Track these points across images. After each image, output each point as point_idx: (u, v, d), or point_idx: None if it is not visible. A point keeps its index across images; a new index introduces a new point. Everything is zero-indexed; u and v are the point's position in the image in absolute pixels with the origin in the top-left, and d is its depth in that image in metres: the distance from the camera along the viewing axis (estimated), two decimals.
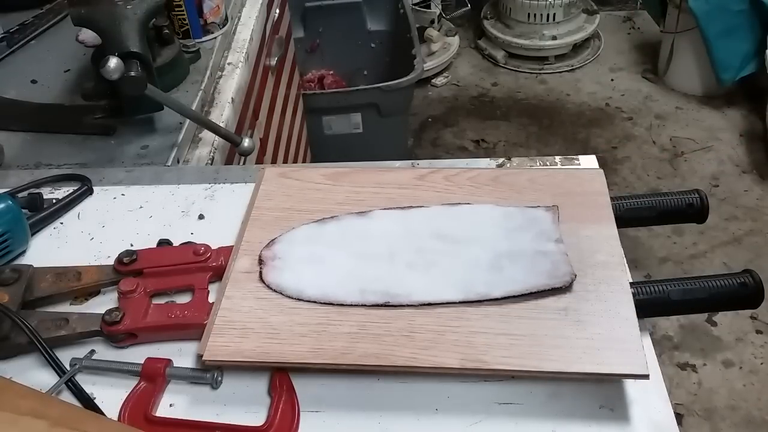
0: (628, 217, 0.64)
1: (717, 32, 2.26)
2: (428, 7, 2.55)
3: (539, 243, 0.59)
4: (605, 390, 0.52)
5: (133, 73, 0.79)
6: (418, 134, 2.41)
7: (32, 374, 0.57)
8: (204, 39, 1.09)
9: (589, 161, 0.73)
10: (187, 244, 0.65)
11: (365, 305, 0.56)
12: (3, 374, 0.55)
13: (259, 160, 1.21)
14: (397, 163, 0.74)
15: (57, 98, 0.98)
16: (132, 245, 0.66)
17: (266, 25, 1.32)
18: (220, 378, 0.55)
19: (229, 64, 1.09)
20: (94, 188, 0.75)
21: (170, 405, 0.54)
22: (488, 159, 0.74)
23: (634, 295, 0.56)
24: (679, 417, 1.61)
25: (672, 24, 2.42)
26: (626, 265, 0.59)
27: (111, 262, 0.63)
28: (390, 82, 1.88)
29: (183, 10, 1.05)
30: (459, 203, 0.64)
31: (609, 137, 2.37)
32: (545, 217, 0.62)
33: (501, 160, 0.73)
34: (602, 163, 0.72)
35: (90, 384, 0.55)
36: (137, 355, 0.57)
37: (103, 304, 0.61)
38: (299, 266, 0.60)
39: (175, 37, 1.01)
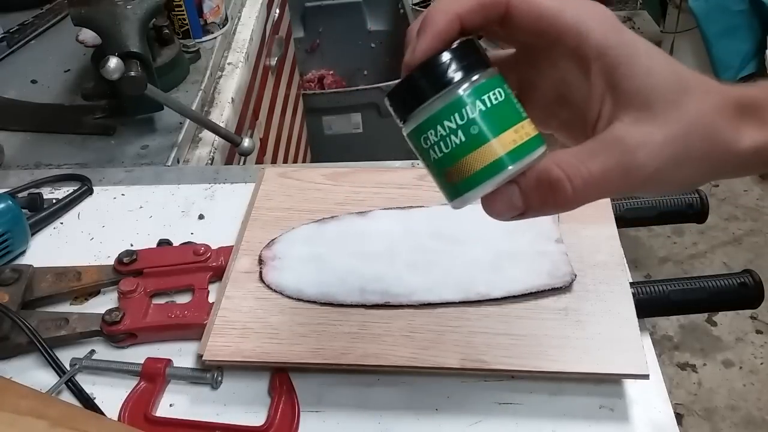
0: (628, 217, 0.64)
1: (717, 32, 2.26)
2: (428, 7, 2.55)
3: (539, 243, 0.59)
4: (605, 390, 0.52)
5: (133, 73, 0.78)
6: None
7: (32, 374, 0.57)
8: (204, 39, 1.09)
9: None
10: (187, 244, 0.65)
11: (365, 305, 0.56)
12: (3, 374, 0.55)
13: (259, 160, 1.21)
14: (397, 163, 0.74)
15: (57, 98, 0.98)
16: (132, 245, 0.66)
17: (266, 25, 1.32)
18: (220, 378, 0.55)
19: (229, 64, 1.09)
20: (94, 188, 0.75)
21: (170, 405, 0.54)
22: None
23: (634, 295, 0.56)
24: (679, 417, 1.62)
25: (672, 24, 2.42)
26: (626, 265, 0.59)
27: (111, 262, 0.63)
28: (390, 82, 1.88)
29: (183, 10, 1.05)
30: None
31: None
32: (545, 217, 0.62)
33: None
34: None
35: (90, 384, 0.55)
36: (137, 355, 0.57)
37: (103, 304, 0.61)
38: (299, 266, 0.60)
39: (175, 37, 1.01)
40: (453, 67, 0.34)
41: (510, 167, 0.34)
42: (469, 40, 0.35)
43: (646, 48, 0.34)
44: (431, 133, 0.35)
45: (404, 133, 0.37)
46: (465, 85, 0.34)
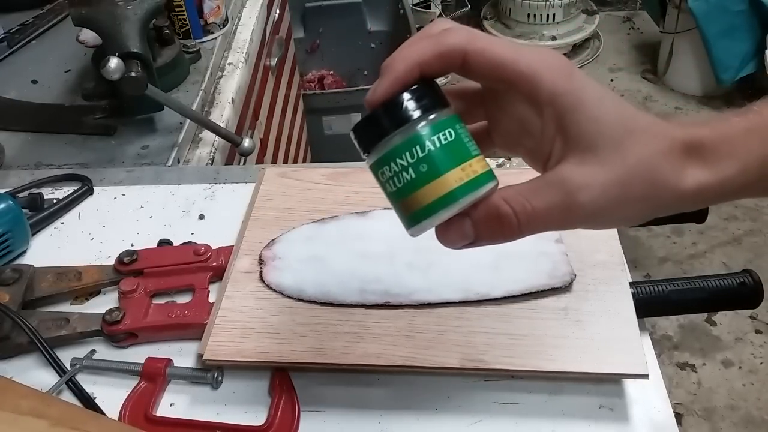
0: None
1: (716, 32, 2.26)
2: (428, 7, 2.55)
3: (539, 243, 0.59)
4: (605, 390, 0.52)
5: (133, 74, 0.79)
6: None
7: (33, 374, 0.57)
8: (204, 39, 1.09)
9: None
10: (187, 244, 0.65)
11: (365, 305, 0.56)
12: (3, 374, 0.55)
13: (259, 160, 1.21)
14: None
15: (57, 98, 0.98)
16: (132, 245, 0.66)
17: (266, 25, 1.32)
18: (220, 378, 0.55)
19: (229, 64, 1.09)
20: (95, 188, 0.75)
21: (170, 405, 0.54)
22: (488, 159, 0.74)
23: (633, 295, 0.56)
24: (678, 417, 1.62)
25: (672, 24, 2.42)
26: (626, 265, 0.59)
27: (111, 262, 0.63)
28: None
29: (183, 11, 1.05)
30: None
31: None
32: None
33: (501, 160, 0.73)
34: None
35: (90, 384, 0.55)
36: (138, 354, 0.57)
37: (103, 303, 0.61)
38: (299, 266, 0.60)
39: (176, 37, 1.01)
40: (412, 106, 0.37)
41: (461, 199, 0.37)
42: (429, 81, 0.38)
43: (595, 95, 0.36)
44: (391, 165, 0.37)
45: (367, 165, 0.39)
46: (422, 123, 0.37)
